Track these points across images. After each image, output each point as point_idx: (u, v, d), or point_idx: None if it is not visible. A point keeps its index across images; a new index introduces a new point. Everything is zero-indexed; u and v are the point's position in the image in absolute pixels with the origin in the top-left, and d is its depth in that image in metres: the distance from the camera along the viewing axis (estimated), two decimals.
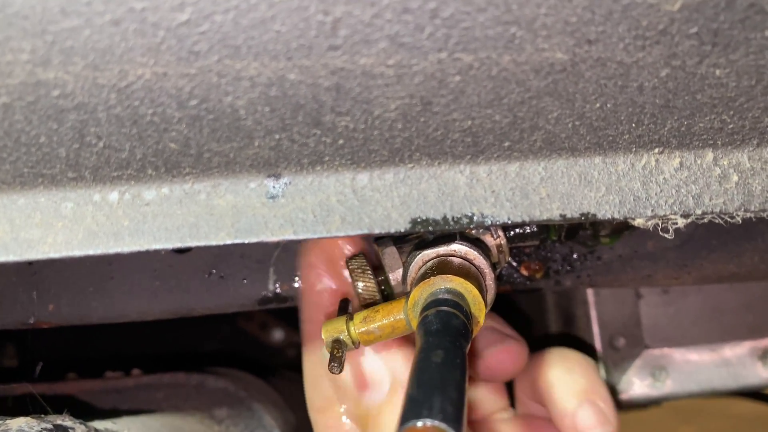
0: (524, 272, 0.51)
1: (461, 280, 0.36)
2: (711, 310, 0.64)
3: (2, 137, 0.28)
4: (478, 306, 0.35)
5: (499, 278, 0.50)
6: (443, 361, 0.29)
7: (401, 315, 0.39)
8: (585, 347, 0.64)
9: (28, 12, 0.24)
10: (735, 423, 1.68)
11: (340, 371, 0.38)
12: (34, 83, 0.27)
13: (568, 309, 0.64)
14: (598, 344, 0.63)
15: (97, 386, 0.66)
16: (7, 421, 0.41)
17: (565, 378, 0.48)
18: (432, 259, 0.39)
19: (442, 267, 0.38)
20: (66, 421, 0.43)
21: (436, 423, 0.25)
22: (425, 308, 0.34)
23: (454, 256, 0.39)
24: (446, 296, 0.34)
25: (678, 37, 0.27)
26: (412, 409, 0.26)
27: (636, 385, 0.63)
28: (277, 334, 1.01)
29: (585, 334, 0.64)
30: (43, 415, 0.44)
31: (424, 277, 0.37)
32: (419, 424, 0.25)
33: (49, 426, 0.42)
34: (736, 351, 0.64)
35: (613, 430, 0.47)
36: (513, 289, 0.51)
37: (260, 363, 0.93)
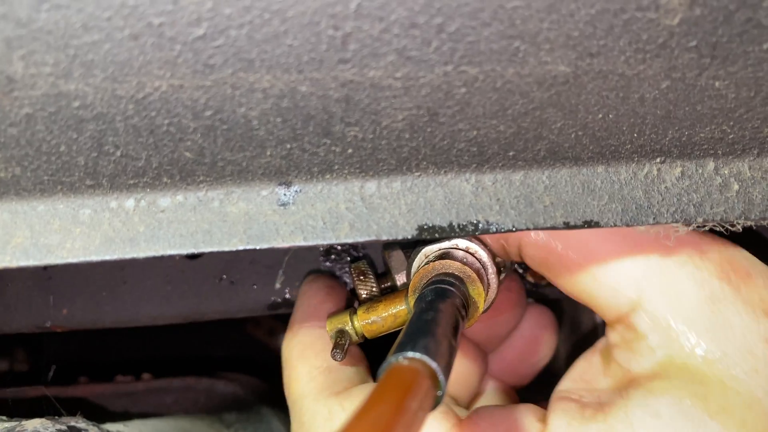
0: (530, 279, 0.52)
1: (460, 264, 0.36)
2: None
3: (24, 146, 0.29)
4: (477, 290, 0.36)
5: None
6: (433, 319, 0.29)
7: (403, 305, 0.40)
8: None
9: (51, 27, 0.25)
10: None
11: (342, 358, 0.39)
12: (55, 94, 0.28)
13: (573, 316, 0.65)
14: None
15: (108, 390, 0.67)
16: (23, 423, 0.42)
17: None
18: (434, 252, 0.39)
19: (444, 257, 0.38)
20: (80, 422, 0.44)
21: (417, 355, 0.24)
22: (423, 288, 0.35)
23: (456, 249, 0.39)
24: (444, 277, 0.35)
25: (678, 50, 0.28)
26: (396, 351, 0.25)
27: None
28: None
29: (591, 342, 0.64)
30: (57, 417, 0.44)
31: None
32: (400, 358, 0.25)
33: (64, 427, 0.43)
34: None
35: None
36: None
37: (268, 368, 0.94)
